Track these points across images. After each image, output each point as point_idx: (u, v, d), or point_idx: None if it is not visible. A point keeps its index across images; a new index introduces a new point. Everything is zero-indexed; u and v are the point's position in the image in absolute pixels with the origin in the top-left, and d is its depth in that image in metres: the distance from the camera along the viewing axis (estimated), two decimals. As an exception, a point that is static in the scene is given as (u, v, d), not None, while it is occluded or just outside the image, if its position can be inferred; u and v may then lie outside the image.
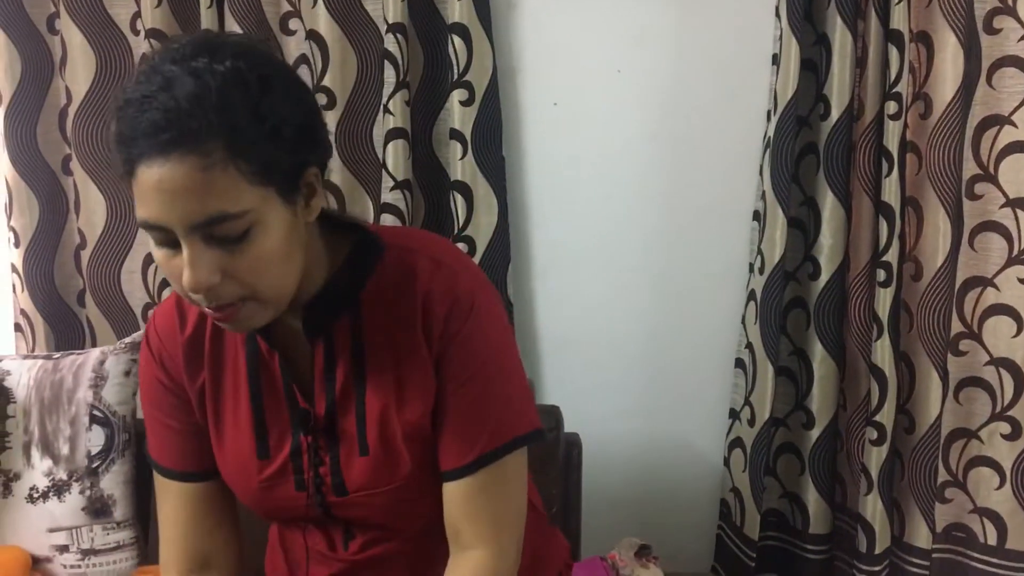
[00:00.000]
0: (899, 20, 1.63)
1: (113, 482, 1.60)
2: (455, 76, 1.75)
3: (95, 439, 1.59)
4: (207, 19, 1.75)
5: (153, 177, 0.78)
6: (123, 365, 1.62)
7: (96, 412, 1.59)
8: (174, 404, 1.04)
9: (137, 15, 1.81)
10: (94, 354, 1.63)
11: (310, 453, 1.00)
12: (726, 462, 1.90)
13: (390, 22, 1.72)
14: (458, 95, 1.76)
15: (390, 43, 1.73)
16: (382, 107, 1.77)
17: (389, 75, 1.74)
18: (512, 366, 1.00)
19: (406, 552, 1.06)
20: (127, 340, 1.66)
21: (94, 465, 1.58)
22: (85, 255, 1.89)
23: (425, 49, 1.81)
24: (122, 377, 1.62)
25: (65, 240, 1.93)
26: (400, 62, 1.73)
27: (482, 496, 0.97)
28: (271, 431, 1.01)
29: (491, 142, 1.79)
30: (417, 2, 1.77)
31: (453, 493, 0.98)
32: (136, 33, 1.83)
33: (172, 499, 1.06)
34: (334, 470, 0.99)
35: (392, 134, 1.75)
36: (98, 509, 1.59)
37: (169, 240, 0.82)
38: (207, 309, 0.86)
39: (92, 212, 1.87)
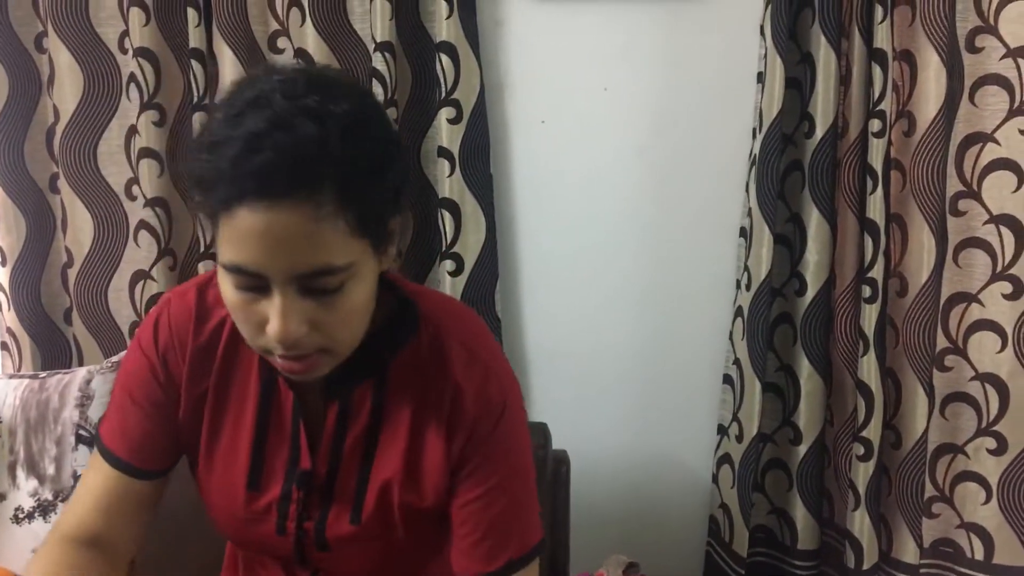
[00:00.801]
0: (882, 39, 1.65)
1: (99, 502, 1.59)
2: (443, 94, 1.76)
3: (81, 459, 1.58)
4: (195, 38, 1.75)
5: (259, 223, 0.74)
6: (110, 384, 1.61)
7: (82, 432, 1.58)
8: (157, 397, 0.99)
9: (125, 34, 1.81)
10: (80, 373, 1.62)
11: (299, 505, 0.98)
12: (714, 478, 1.91)
13: (378, 41, 1.73)
14: (446, 113, 1.76)
15: (378, 61, 1.73)
16: (370, 125, 1.77)
17: (377, 93, 1.75)
18: (531, 470, 1.00)
19: None
20: (114, 359, 1.66)
21: (80, 485, 1.58)
22: (72, 273, 1.88)
23: (413, 67, 1.82)
24: (108, 396, 1.61)
25: (52, 258, 1.93)
26: (388, 80, 1.73)
27: None
28: (267, 465, 0.98)
29: (479, 159, 1.80)
30: (405, 21, 1.78)
31: None
32: (124, 52, 1.83)
33: (101, 480, 0.99)
34: (319, 528, 0.98)
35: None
36: (84, 529, 1.58)
37: (256, 286, 0.79)
38: (278, 358, 0.83)
39: (79, 230, 1.86)
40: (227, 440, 0.99)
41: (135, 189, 1.84)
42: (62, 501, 1.57)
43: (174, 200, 1.83)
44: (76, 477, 1.57)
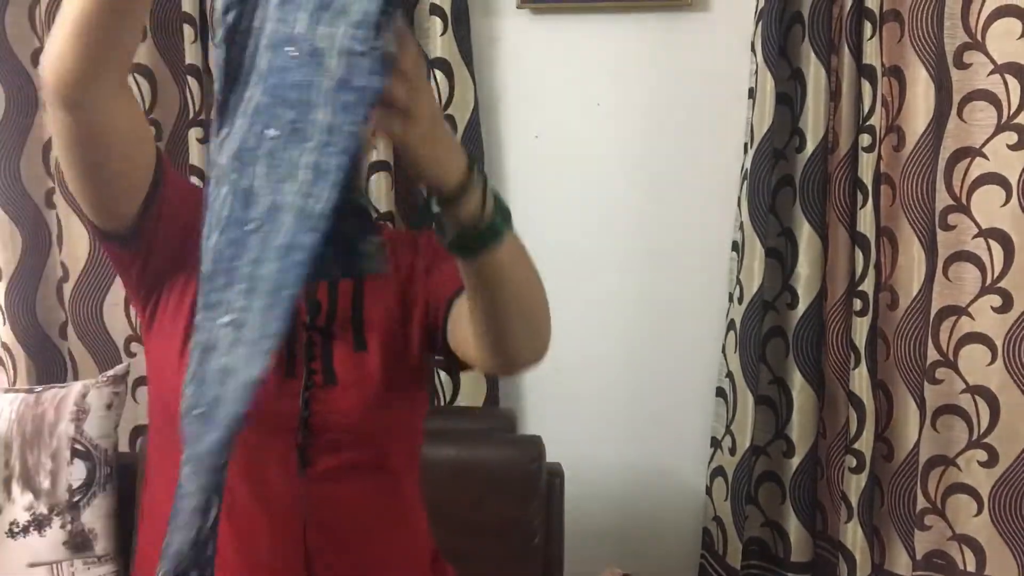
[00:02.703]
0: (871, 55, 1.67)
1: (94, 516, 1.59)
2: (437, 110, 1.78)
3: (76, 473, 1.58)
4: (191, 54, 1.76)
5: None
6: (105, 398, 1.62)
7: (78, 446, 1.58)
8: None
9: (122, 50, 1.82)
10: (76, 387, 1.63)
11: (307, 347, 1.02)
12: (708, 491, 1.91)
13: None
14: (440, 128, 1.78)
15: (373, 78, 1.75)
16: (365, 140, 1.79)
17: (372, 109, 1.76)
18: None
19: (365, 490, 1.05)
20: (109, 373, 1.66)
21: (75, 499, 1.58)
22: (67, 288, 1.89)
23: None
24: (104, 410, 1.61)
25: (48, 273, 1.94)
26: (383, 96, 1.75)
27: None
28: None
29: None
30: (399, 37, 1.79)
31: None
32: (121, 68, 1.84)
33: None
34: (326, 357, 1.01)
35: (375, 167, 1.77)
36: (79, 543, 1.58)
37: None
38: None
39: (75, 246, 1.87)
40: None
41: (131, 204, 1.85)
42: (57, 515, 1.57)
43: (170, 215, 1.84)
44: (71, 491, 1.58)
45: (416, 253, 1.10)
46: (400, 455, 1.09)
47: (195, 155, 1.80)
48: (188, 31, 1.77)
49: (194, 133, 1.79)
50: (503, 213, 0.84)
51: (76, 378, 1.91)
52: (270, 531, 1.01)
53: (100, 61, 0.82)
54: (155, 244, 0.98)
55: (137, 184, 0.94)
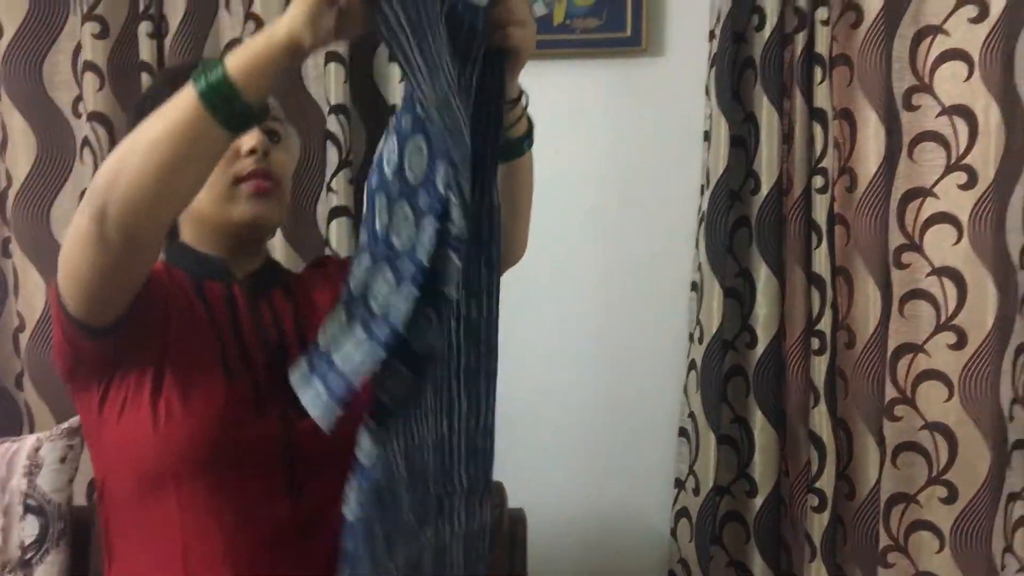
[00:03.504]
0: (822, 99, 1.71)
1: (47, 573, 1.55)
2: (396, 155, 1.78)
3: (29, 529, 1.55)
4: (149, 102, 1.76)
5: None
6: (59, 451, 1.59)
7: (30, 501, 1.55)
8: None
9: (79, 99, 1.82)
10: (29, 441, 1.60)
11: (272, 384, 1.04)
12: (673, 532, 1.90)
13: (332, 103, 1.75)
14: (400, 174, 1.78)
15: (332, 124, 1.76)
16: (325, 186, 1.79)
17: (332, 155, 1.77)
18: None
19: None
20: (64, 425, 1.63)
21: (27, 556, 1.55)
22: (24, 338, 1.87)
23: (368, 128, 1.84)
24: (58, 464, 1.59)
25: (4, 322, 1.91)
26: (343, 142, 1.76)
27: None
28: (232, 362, 1.05)
29: (433, 219, 1.82)
30: (359, 83, 1.81)
31: None
32: (78, 116, 1.84)
33: None
34: (294, 398, 1.00)
35: (335, 212, 1.78)
36: (32, 601, 1.55)
37: None
38: (248, 178, 1.06)
39: (31, 295, 1.85)
40: (194, 350, 1.04)
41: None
42: (9, 573, 1.54)
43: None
44: (23, 548, 1.54)
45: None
46: None
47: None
48: (145, 79, 1.77)
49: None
50: (531, 127, 1.09)
51: (32, 429, 1.88)
52: (271, 564, 1.03)
53: (180, 206, 0.94)
54: (133, 330, 1.01)
55: (142, 280, 0.99)
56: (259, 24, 1.76)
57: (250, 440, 1.03)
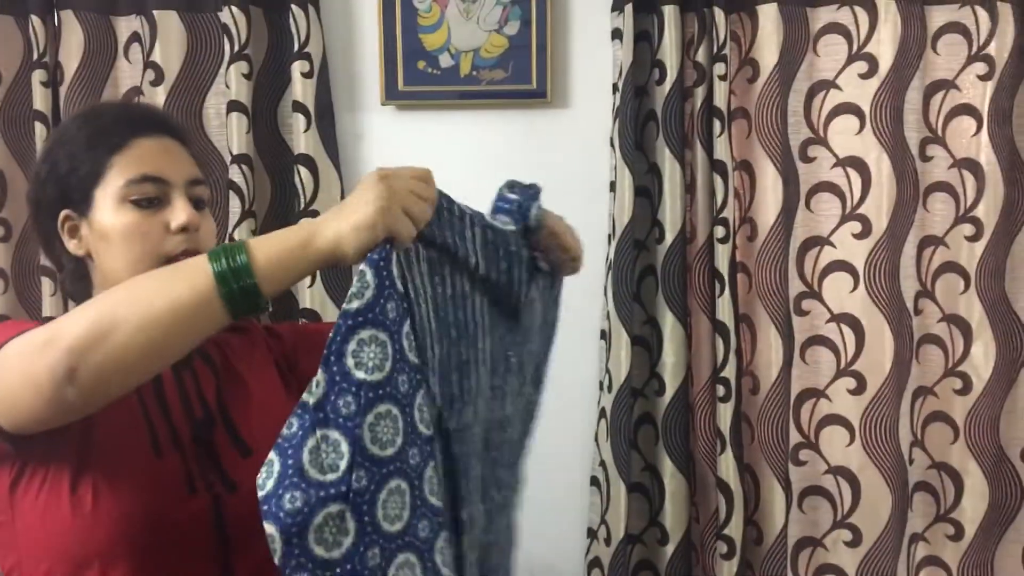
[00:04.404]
0: (722, 151, 1.74)
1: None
2: (302, 205, 1.76)
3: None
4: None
5: (155, 144, 1.00)
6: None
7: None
8: None
9: None
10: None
11: (200, 459, 0.99)
12: (586, 583, 1.89)
13: (234, 153, 1.73)
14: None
15: (235, 174, 1.73)
16: (227, 236, 1.76)
17: (234, 205, 1.74)
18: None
19: None
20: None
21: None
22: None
23: (272, 179, 1.82)
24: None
25: None
26: (245, 192, 1.73)
27: None
28: (160, 433, 0.99)
29: (341, 271, 1.80)
30: (262, 133, 1.78)
31: None
32: None
33: None
34: (221, 474, 0.99)
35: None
36: None
37: (157, 197, 0.98)
38: (184, 256, 0.97)
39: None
40: (121, 432, 0.97)
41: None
42: None
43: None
44: None
45: (280, 338, 1.16)
46: None
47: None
48: (39, 128, 1.72)
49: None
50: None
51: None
52: None
53: (145, 377, 0.85)
54: (54, 432, 0.90)
55: None
56: (158, 73, 1.73)
57: (180, 520, 0.97)
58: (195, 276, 0.81)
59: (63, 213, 1.01)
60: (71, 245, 1.02)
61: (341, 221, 0.81)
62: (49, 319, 1.58)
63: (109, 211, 0.99)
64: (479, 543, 0.99)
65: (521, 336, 1.06)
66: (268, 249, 0.81)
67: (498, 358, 1.01)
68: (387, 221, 0.81)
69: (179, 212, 0.99)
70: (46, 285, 1.75)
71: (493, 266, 0.98)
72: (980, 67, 1.74)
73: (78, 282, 1.06)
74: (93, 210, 0.99)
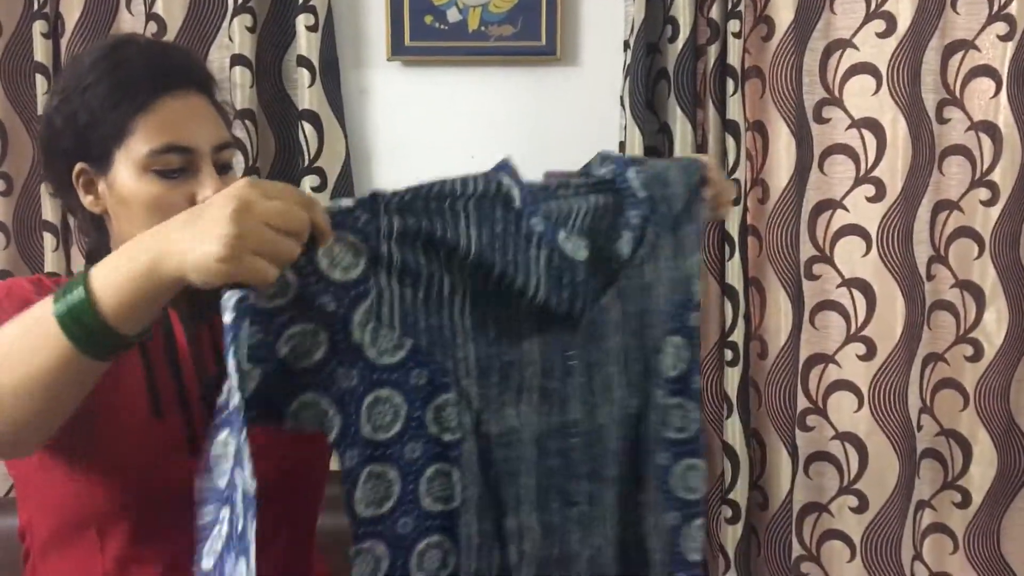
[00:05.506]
0: (735, 111, 1.71)
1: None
2: (306, 162, 1.74)
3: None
4: (43, 104, 1.69)
5: (182, 106, 0.95)
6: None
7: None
8: None
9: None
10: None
11: (206, 419, 0.95)
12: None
13: (238, 109, 1.70)
14: (309, 181, 1.74)
15: (238, 130, 1.70)
16: (231, 193, 1.73)
17: (237, 161, 1.71)
18: None
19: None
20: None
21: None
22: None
23: (276, 135, 1.79)
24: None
25: None
26: (249, 148, 1.70)
27: None
28: (162, 394, 0.98)
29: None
30: (266, 89, 1.75)
31: None
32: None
33: None
34: None
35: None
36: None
37: (181, 167, 0.94)
38: None
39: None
40: (120, 400, 0.96)
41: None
42: None
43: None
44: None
45: None
46: (308, 515, 1.12)
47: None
48: (40, 80, 1.69)
49: (44, 188, 1.71)
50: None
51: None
52: None
53: (53, 426, 0.81)
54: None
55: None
56: (160, 25, 1.70)
57: (180, 481, 0.93)
58: (42, 328, 0.73)
59: (79, 166, 0.98)
60: (87, 201, 1.00)
61: (186, 248, 0.69)
62: (52, 275, 1.59)
63: (131, 177, 0.95)
64: (536, 558, 0.93)
65: (581, 337, 0.95)
66: (104, 280, 0.72)
67: (552, 360, 0.93)
68: (230, 269, 0.67)
69: (206, 185, 0.95)
70: (48, 240, 1.72)
71: (555, 293, 0.90)
72: (1001, 27, 1.69)
73: (94, 232, 1.04)
74: (112, 170, 0.96)
